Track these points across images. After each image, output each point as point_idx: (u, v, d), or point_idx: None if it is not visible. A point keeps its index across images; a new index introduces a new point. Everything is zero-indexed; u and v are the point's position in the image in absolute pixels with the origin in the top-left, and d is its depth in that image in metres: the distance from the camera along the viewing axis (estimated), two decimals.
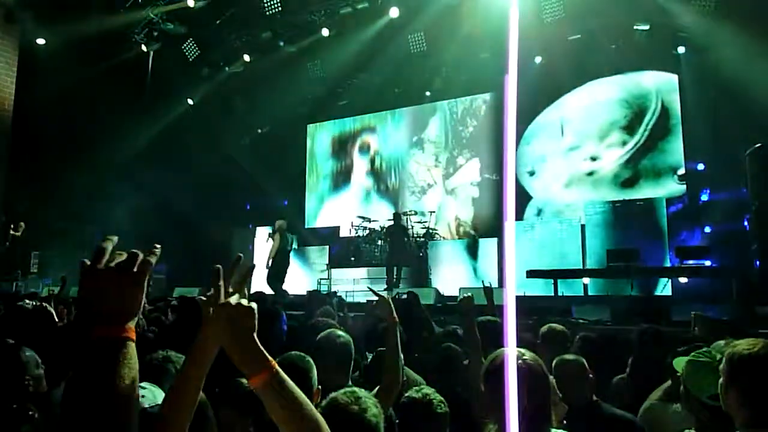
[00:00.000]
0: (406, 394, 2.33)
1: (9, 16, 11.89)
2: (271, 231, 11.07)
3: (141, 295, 0.99)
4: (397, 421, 2.27)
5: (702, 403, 2.00)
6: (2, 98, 11.99)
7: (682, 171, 11.46)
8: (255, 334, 1.21)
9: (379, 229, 13.14)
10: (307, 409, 1.21)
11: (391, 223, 12.16)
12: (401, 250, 11.77)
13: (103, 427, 0.90)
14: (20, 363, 2.09)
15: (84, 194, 12.13)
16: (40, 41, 12.31)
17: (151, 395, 1.76)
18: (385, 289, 10.80)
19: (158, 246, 1.05)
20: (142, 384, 1.67)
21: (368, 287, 3.03)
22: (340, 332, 2.82)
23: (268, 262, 10.26)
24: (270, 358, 1.20)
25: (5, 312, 3.90)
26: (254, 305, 1.23)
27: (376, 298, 2.85)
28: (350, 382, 2.67)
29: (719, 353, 2.00)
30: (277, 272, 10.24)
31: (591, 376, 2.68)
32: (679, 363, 2.24)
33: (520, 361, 1.62)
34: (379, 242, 13.00)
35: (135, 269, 0.99)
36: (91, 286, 0.98)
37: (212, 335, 1.21)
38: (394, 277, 11.28)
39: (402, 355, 2.62)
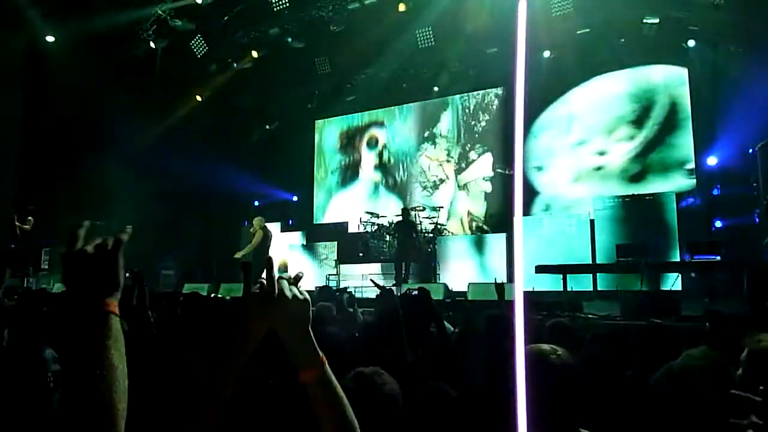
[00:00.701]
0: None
1: (18, 13, 11.96)
2: (252, 228, 11.59)
3: (117, 272, 1.04)
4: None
5: None
6: (12, 95, 12.09)
7: (691, 165, 11.39)
8: (309, 327, 1.19)
9: (388, 225, 13.13)
10: (348, 408, 1.21)
11: (400, 218, 12.16)
12: (409, 245, 11.76)
13: (94, 401, 0.91)
14: (42, 360, 2.11)
15: (93, 190, 12.19)
16: (49, 38, 12.38)
17: None
18: (393, 285, 10.82)
19: (129, 227, 1.11)
20: None
21: (370, 279, 3.01)
22: (386, 377, 2.76)
23: (248, 257, 10.94)
24: (321, 353, 1.19)
25: (23, 308, 3.94)
26: (308, 297, 1.21)
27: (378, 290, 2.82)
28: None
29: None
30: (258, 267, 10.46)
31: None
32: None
33: (554, 357, 1.59)
34: (388, 238, 13.00)
35: (108, 248, 1.05)
36: (68, 268, 1.02)
37: (259, 329, 1.16)
38: (403, 272, 11.28)
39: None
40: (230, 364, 1.17)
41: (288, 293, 1.18)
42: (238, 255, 11.48)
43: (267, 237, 11.41)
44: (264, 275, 1.18)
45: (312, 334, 1.19)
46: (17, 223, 11.08)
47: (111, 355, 0.95)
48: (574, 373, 1.62)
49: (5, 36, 11.95)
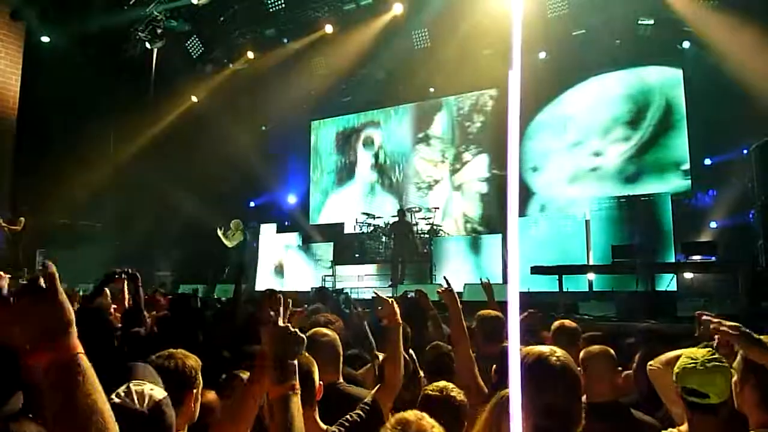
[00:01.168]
0: (425, 389, 2.34)
1: (14, 14, 11.93)
2: (227, 230, 12.11)
3: (63, 308, 0.91)
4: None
5: (679, 393, 1.97)
6: (7, 96, 12.04)
7: (686, 166, 11.42)
8: (296, 362, 1.49)
9: (384, 226, 13.14)
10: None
11: (396, 219, 12.16)
12: (405, 246, 11.78)
13: None
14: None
15: (88, 191, 12.16)
16: (45, 39, 12.34)
17: (156, 389, 1.77)
18: (390, 286, 10.82)
19: (50, 263, 0.96)
20: (143, 382, 1.67)
21: (374, 291, 3.00)
22: (325, 330, 2.80)
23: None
24: (296, 380, 1.46)
25: None
26: (301, 336, 1.52)
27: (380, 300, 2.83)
28: (341, 378, 2.67)
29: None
30: (240, 266, 11.69)
31: (620, 369, 2.62)
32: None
33: (554, 359, 1.57)
34: (384, 238, 13.00)
35: (43, 285, 0.92)
36: (5, 319, 0.91)
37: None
38: (399, 273, 11.28)
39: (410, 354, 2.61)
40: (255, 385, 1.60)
41: (280, 326, 1.51)
42: (226, 242, 12.38)
43: (245, 238, 12.55)
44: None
45: (296, 366, 1.47)
46: (3, 224, 11.02)
47: (93, 402, 0.87)
48: (575, 375, 1.60)
49: (1, 37, 11.91)
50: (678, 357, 2.12)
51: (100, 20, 11.70)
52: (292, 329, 1.52)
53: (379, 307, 2.62)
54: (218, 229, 12.36)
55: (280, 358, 1.47)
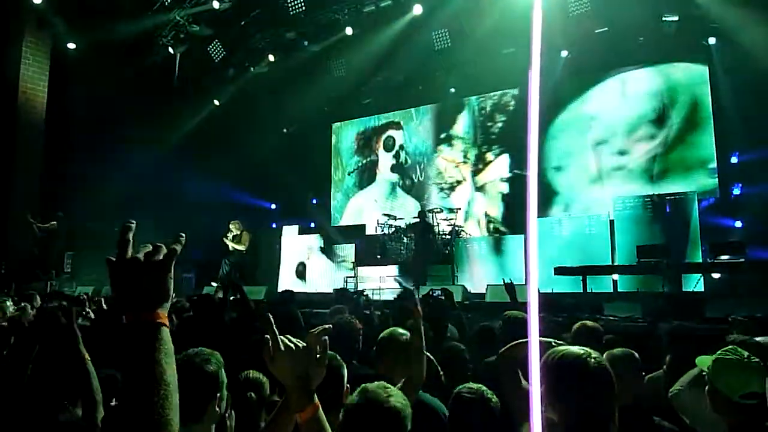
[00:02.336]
0: (458, 389, 2.35)
1: (41, 22, 12.21)
2: (235, 233, 12.25)
3: (169, 282, 1.02)
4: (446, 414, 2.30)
5: (734, 403, 1.92)
6: (36, 102, 12.32)
7: (713, 164, 11.21)
8: (307, 374, 1.40)
9: (405, 227, 13.12)
10: None
11: (417, 220, 12.13)
12: (427, 247, 11.75)
13: (148, 415, 0.91)
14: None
15: (115, 195, 12.37)
16: (71, 46, 12.60)
17: None
18: (412, 287, 10.80)
19: (183, 234, 1.11)
20: None
21: (395, 278, 3.02)
22: (402, 330, 2.78)
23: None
24: (315, 399, 1.40)
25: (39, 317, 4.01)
26: (307, 347, 1.43)
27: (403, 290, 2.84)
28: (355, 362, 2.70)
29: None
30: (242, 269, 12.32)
31: (643, 373, 2.57)
32: (704, 362, 2.14)
33: (591, 360, 1.55)
34: (405, 240, 12.98)
35: (161, 257, 1.02)
36: (119, 276, 1.00)
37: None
38: (421, 274, 11.25)
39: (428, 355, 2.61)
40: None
41: (286, 347, 1.39)
42: (239, 248, 12.53)
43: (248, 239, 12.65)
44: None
45: (309, 382, 1.40)
46: (32, 220, 11.27)
47: (163, 369, 0.95)
48: (612, 379, 1.58)
49: (29, 44, 12.19)
50: (701, 374, 2.06)
51: (124, 27, 11.90)
52: (317, 351, 1.44)
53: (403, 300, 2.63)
54: (224, 238, 12.53)
55: (305, 382, 1.40)
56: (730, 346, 2.09)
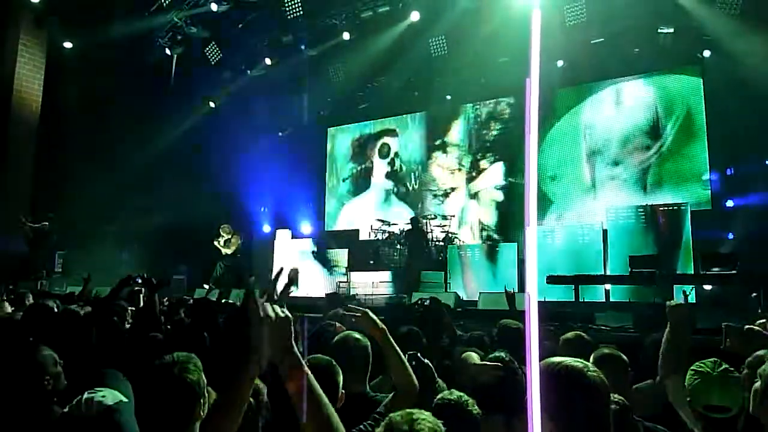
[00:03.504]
0: (438, 396, 2.30)
1: (37, 21, 12.18)
2: (225, 237, 12.29)
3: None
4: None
5: (701, 414, 1.94)
6: (30, 100, 12.27)
7: (706, 176, 11.28)
8: (292, 341, 1.35)
9: (398, 233, 13.12)
10: (332, 415, 1.36)
11: (410, 226, 12.13)
12: (420, 253, 11.74)
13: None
14: (37, 363, 2.11)
15: (107, 195, 12.32)
16: (67, 45, 12.56)
17: (111, 395, 1.77)
18: (404, 293, 10.79)
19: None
20: (99, 389, 1.69)
21: (348, 306, 2.84)
22: (357, 335, 2.65)
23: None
24: (304, 364, 1.35)
25: (30, 310, 3.98)
26: (289, 315, 1.36)
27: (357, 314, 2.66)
28: (368, 389, 2.61)
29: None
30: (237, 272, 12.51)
31: (630, 371, 2.57)
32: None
33: (591, 373, 1.56)
34: (399, 246, 12.98)
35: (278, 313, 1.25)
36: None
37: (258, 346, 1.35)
38: (413, 280, 11.23)
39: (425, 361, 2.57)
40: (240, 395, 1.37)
41: (266, 315, 1.32)
42: (228, 251, 12.79)
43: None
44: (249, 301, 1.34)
45: (295, 347, 1.34)
46: (23, 220, 11.21)
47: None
48: (608, 392, 1.58)
49: (25, 42, 12.14)
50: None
51: (121, 27, 11.89)
52: (278, 314, 1.36)
53: (353, 320, 2.52)
54: (214, 241, 12.62)
55: (278, 351, 1.33)
56: (711, 358, 2.12)
